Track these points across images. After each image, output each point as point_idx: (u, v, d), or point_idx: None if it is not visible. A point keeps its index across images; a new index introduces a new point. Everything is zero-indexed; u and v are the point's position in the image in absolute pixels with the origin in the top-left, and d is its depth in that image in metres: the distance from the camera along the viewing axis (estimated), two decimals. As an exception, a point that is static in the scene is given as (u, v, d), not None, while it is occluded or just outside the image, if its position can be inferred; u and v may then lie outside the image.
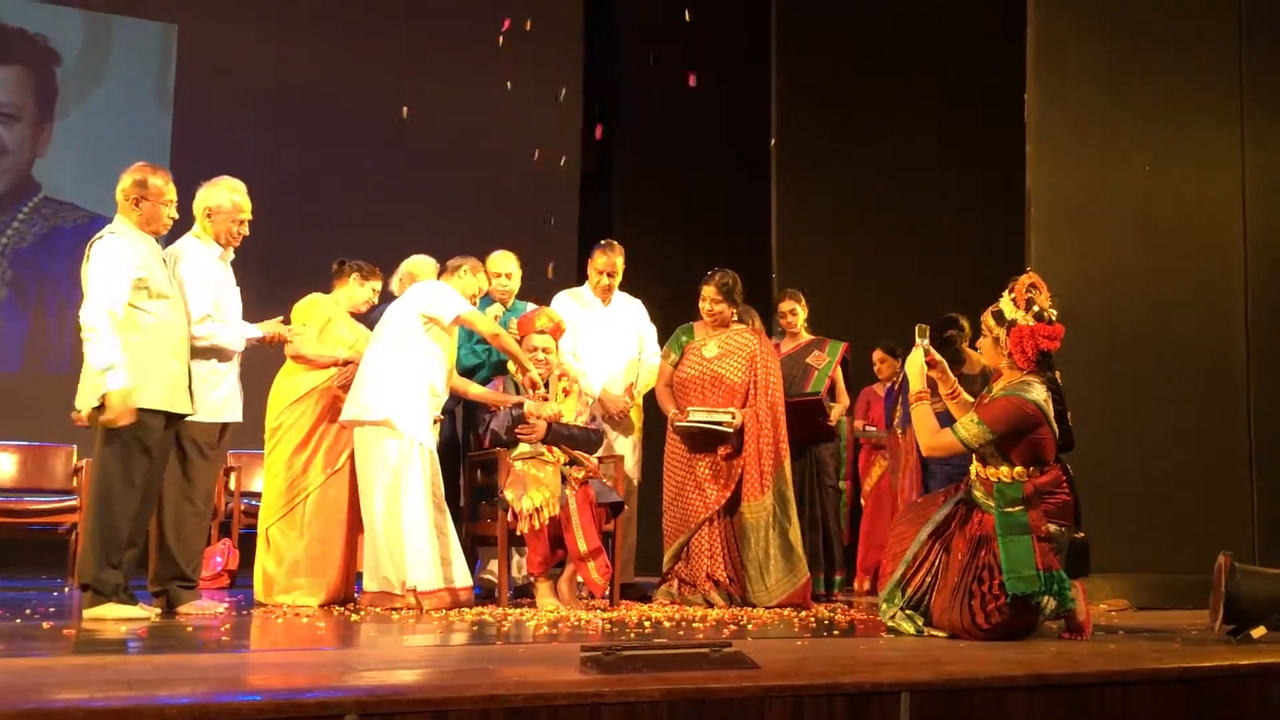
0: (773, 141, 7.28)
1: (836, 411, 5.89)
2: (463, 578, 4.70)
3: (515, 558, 5.29)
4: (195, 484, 4.37)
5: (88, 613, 4.04)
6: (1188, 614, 4.54)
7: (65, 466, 6.44)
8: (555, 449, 4.86)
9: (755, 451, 5.11)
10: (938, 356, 4.18)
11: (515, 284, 5.64)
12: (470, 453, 5.20)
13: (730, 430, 5.10)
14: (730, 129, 7.93)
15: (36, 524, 6.13)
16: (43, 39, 8.24)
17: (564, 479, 4.76)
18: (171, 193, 4.35)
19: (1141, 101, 5.40)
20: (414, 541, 4.60)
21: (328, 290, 5.32)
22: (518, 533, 4.71)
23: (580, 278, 6.01)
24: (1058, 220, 5.39)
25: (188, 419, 4.30)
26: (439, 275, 5.22)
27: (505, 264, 5.60)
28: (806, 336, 6.04)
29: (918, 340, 4.15)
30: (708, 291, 5.28)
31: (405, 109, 7.30)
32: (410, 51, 8.33)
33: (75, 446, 6.51)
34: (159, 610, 4.27)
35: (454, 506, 5.00)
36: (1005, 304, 4.04)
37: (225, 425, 4.52)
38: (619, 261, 5.60)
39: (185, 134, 8.20)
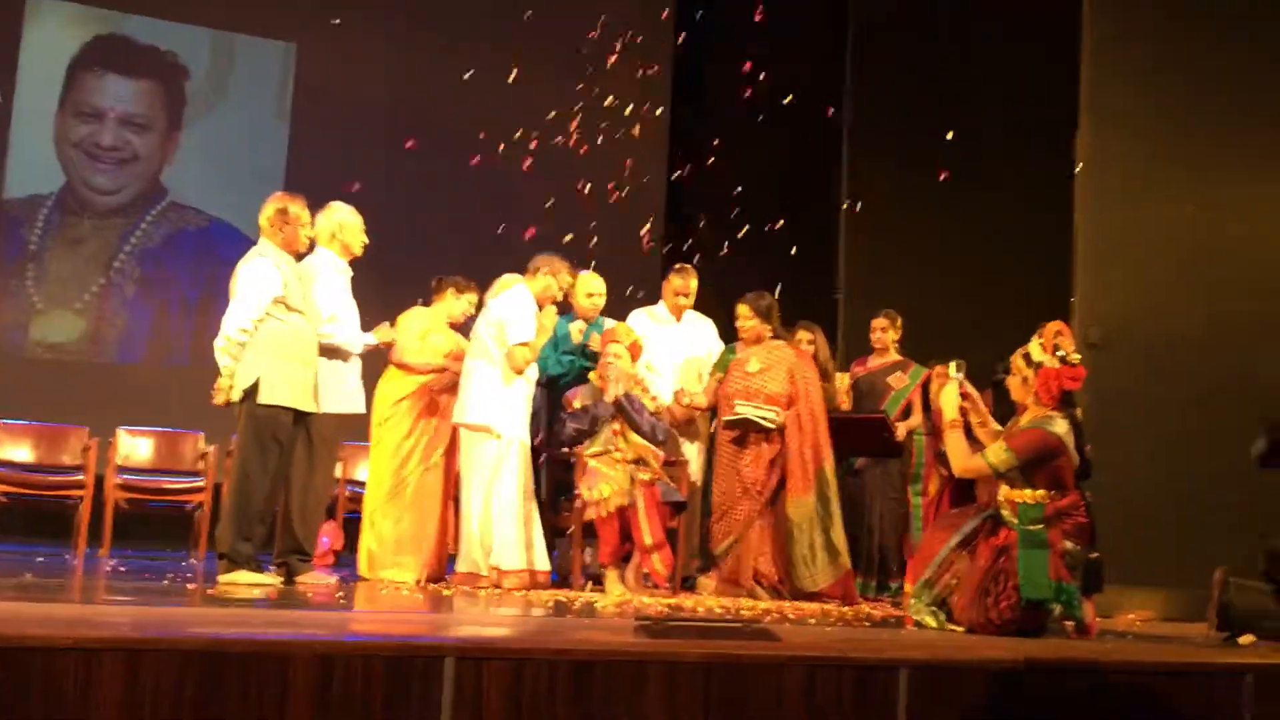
0: (844, 198, 7.81)
1: (903, 428, 6.36)
2: (542, 562, 5.44)
3: (588, 549, 6.00)
4: (317, 470, 5.18)
5: (222, 578, 4.83)
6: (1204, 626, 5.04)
7: (193, 451, 7.30)
8: (623, 444, 5.55)
9: (798, 451, 5.69)
10: (970, 389, 4.78)
11: (602, 302, 6.33)
12: (550, 452, 5.93)
13: (773, 426, 5.69)
14: (802, 160, 8.53)
15: (168, 501, 7.04)
16: (173, 55, 8.93)
17: (632, 478, 5.47)
18: (307, 217, 5.15)
19: (1187, 145, 5.86)
20: (504, 529, 5.34)
21: (429, 302, 6.11)
22: (586, 519, 5.42)
23: (657, 297, 6.64)
24: (1103, 258, 5.90)
25: (312, 414, 5.10)
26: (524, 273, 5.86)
27: (596, 285, 6.26)
28: (895, 356, 6.53)
29: (952, 374, 4.74)
30: (741, 310, 5.90)
31: (527, 162, 7.99)
32: (515, 71, 8.89)
33: (202, 433, 7.36)
34: (281, 579, 5.07)
35: (536, 500, 5.74)
36: (1034, 347, 4.62)
37: (346, 416, 5.30)
38: (693, 284, 6.25)
39: (300, 147, 8.91)
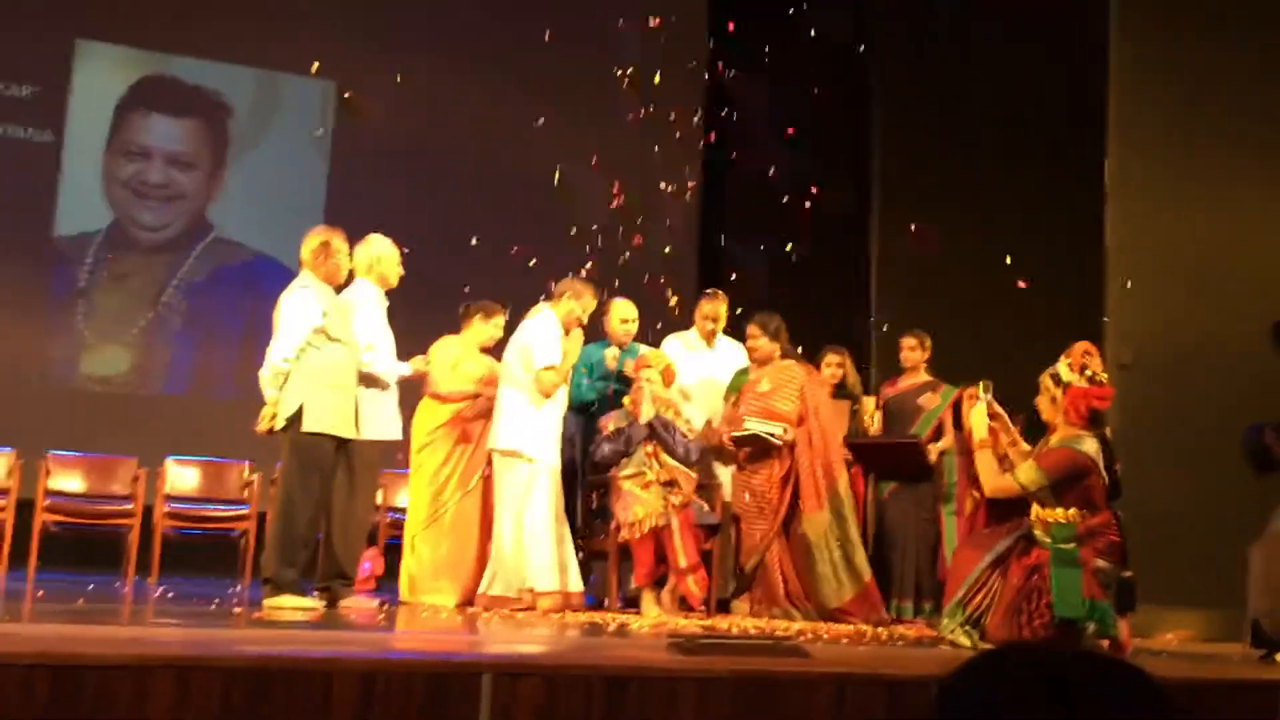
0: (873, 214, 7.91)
1: (935, 450, 6.35)
2: (576, 584, 5.52)
3: (625, 573, 6.08)
4: (359, 496, 5.31)
5: (267, 602, 4.95)
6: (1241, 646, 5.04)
7: (238, 480, 7.47)
8: (655, 466, 5.63)
9: (809, 468, 5.74)
10: (999, 409, 4.83)
11: (634, 328, 6.42)
12: (587, 476, 6.03)
13: (781, 442, 5.75)
14: (831, 183, 8.60)
15: (214, 529, 7.21)
16: (217, 94, 9.13)
17: (665, 502, 5.54)
18: (346, 250, 5.30)
19: (1215, 165, 5.91)
20: (536, 551, 5.44)
21: (458, 330, 6.24)
22: (621, 541, 5.50)
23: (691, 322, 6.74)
24: (1133, 276, 5.94)
25: (353, 441, 5.23)
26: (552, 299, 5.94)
27: (628, 311, 6.38)
28: (925, 377, 6.53)
29: (981, 394, 4.79)
30: (750, 330, 5.98)
31: (556, 176, 8.15)
32: (549, 107, 8.96)
33: (247, 463, 7.52)
34: (324, 603, 5.18)
35: (572, 524, 5.84)
36: (1062, 368, 4.66)
37: (386, 443, 5.44)
38: (722, 309, 6.35)
39: (339, 183, 9.12)
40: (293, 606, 4.89)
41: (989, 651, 1.23)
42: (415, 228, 7.65)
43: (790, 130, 7.77)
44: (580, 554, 5.75)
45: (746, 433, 5.82)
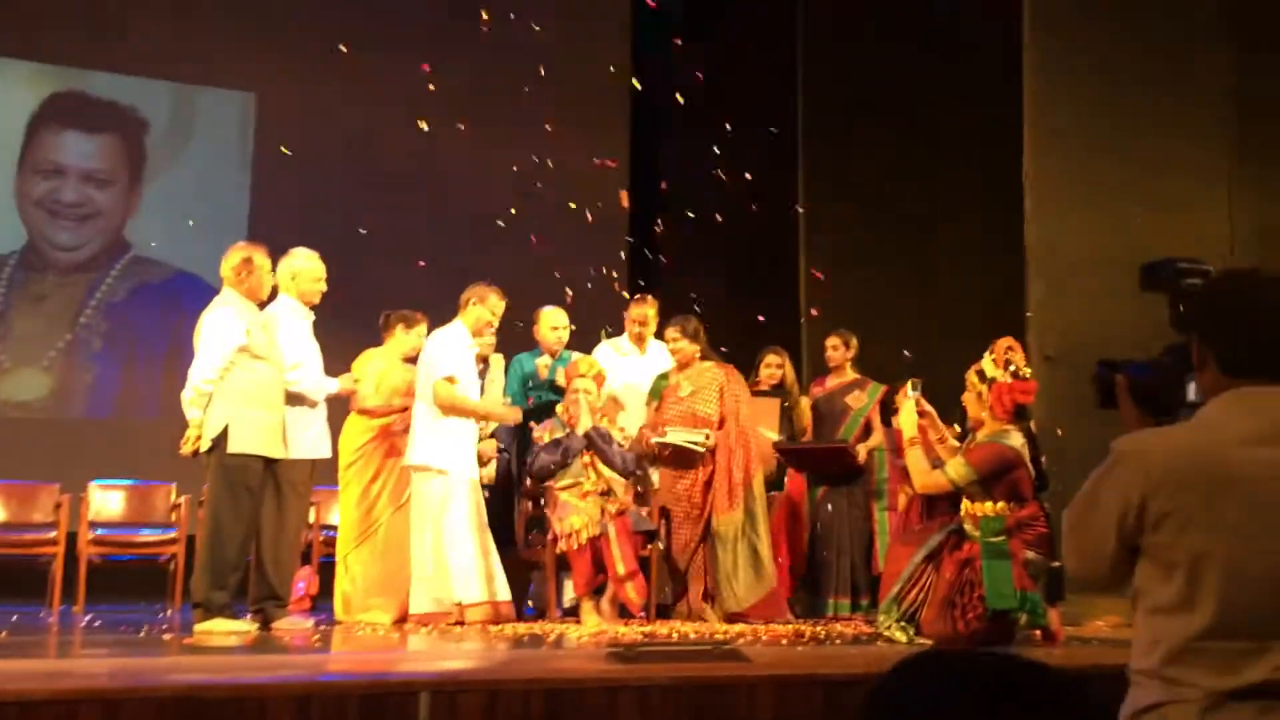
0: (800, 209, 8.02)
1: (864, 449, 6.44)
2: (504, 593, 5.47)
3: (564, 582, 6.06)
4: (288, 516, 5.23)
5: (198, 627, 4.86)
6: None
7: (165, 503, 7.30)
8: (592, 476, 5.63)
9: (725, 469, 5.78)
10: (928, 407, 4.91)
11: (566, 335, 6.41)
12: (522, 486, 6.00)
13: (703, 449, 5.78)
14: (761, 180, 8.69)
15: (141, 554, 7.04)
16: (133, 109, 8.93)
17: (602, 510, 5.54)
18: (269, 266, 5.22)
19: (1132, 154, 6.05)
20: (458, 562, 5.39)
21: (380, 342, 6.17)
22: (558, 551, 5.49)
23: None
24: (1055, 269, 6.06)
25: (281, 460, 5.15)
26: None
27: (558, 319, 6.39)
28: (851, 375, 6.58)
29: (909, 392, 4.87)
30: (669, 333, 6.01)
31: (512, 211, 8.13)
32: (469, 116, 8.93)
33: (174, 484, 7.36)
34: (257, 626, 5.10)
35: (509, 535, 5.81)
36: (986, 363, 4.75)
37: (315, 461, 5.37)
38: (650, 313, 6.35)
39: (262, 196, 8.96)
40: (225, 630, 4.81)
41: (915, 654, 1.25)
42: (341, 240, 7.58)
43: (728, 124, 7.81)
44: (519, 566, 5.72)
45: (668, 442, 5.85)
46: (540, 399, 6.24)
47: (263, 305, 5.35)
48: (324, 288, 5.52)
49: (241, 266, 5.16)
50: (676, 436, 5.84)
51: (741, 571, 5.69)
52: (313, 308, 5.54)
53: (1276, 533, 1.77)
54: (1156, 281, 2.23)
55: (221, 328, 5.00)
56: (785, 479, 6.47)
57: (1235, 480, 1.79)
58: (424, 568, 5.47)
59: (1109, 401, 2.16)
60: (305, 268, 5.46)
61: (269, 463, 5.09)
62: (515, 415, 5.84)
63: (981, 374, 4.73)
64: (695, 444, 5.81)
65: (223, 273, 5.21)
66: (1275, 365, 1.88)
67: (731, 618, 5.60)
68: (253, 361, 5.04)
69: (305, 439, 5.31)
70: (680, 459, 5.88)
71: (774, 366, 6.60)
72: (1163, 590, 1.81)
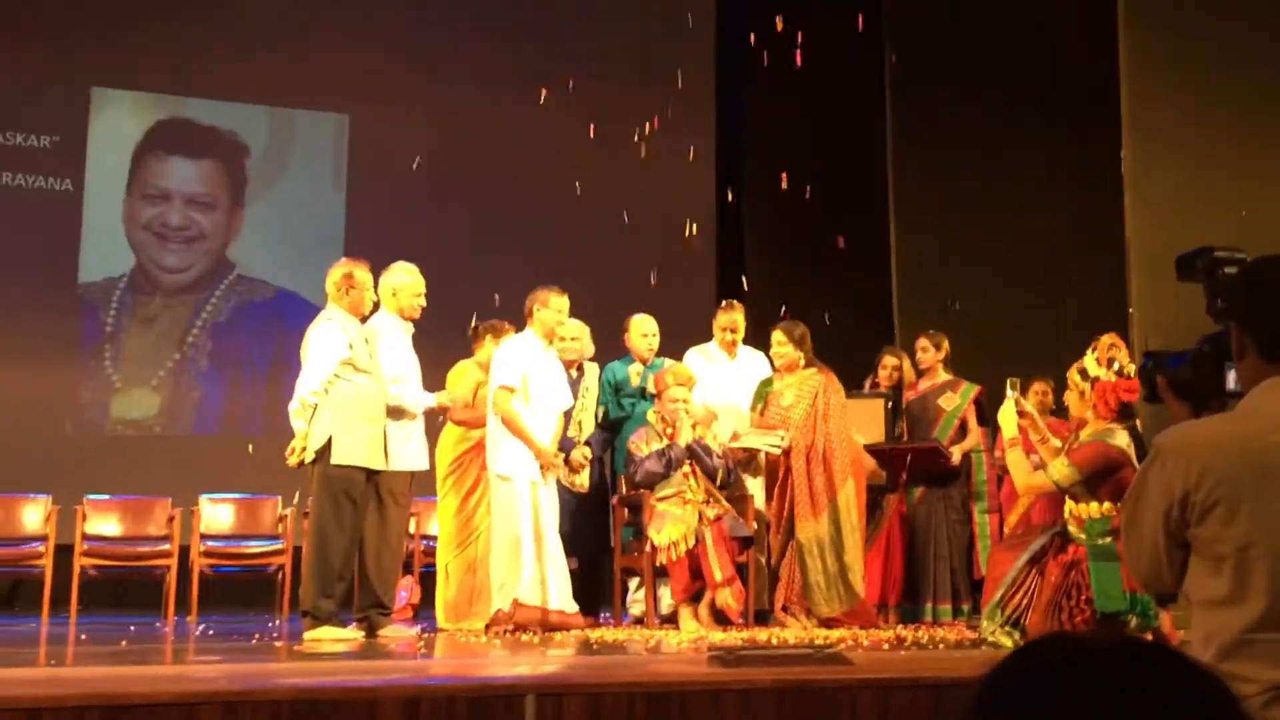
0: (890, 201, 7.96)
1: (959, 450, 6.38)
2: (558, 601, 5.40)
3: (662, 588, 6.09)
4: (390, 526, 5.33)
5: (307, 635, 4.98)
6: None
7: (272, 515, 7.52)
8: (694, 485, 5.66)
9: (804, 475, 5.71)
10: (1028, 406, 4.83)
11: (655, 342, 6.44)
12: (618, 494, 6.05)
13: (778, 449, 5.73)
14: (849, 184, 8.65)
15: (250, 566, 7.27)
16: (233, 134, 9.24)
17: (700, 516, 5.56)
18: (370, 280, 5.34)
19: (1236, 149, 5.90)
20: (514, 566, 5.38)
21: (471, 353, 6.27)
22: (658, 564, 5.51)
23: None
24: (1156, 265, 5.92)
25: (383, 472, 5.27)
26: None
27: (649, 326, 6.43)
28: (944, 377, 6.53)
29: (1009, 392, 4.79)
30: (775, 337, 5.96)
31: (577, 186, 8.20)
32: (562, 131, 9.03)
33: (279, 497, 7.57)
34: (364, 633, 5.21)
35: (605, 542, 5.87)
36: (1089, 361, 4.65)
37: (414, 473, 5.49)
38: (739, 319, 6.33)
39: (358, 214, 9.20)
40: (332, 638, 4.92)
41: (1026, 645, 1.21)
42: (437, 255, 7.71)
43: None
44: (616, 573, 5.76)
45: (740, 447, 5.84)
46: (634, 407, 6.28)
47: (364, 320, 5.47)
48: (423, 302, 5.61)
49: (343, 282, 5.29)
50: (752, 440, 5.82)
51: (833, 583, 5.64)
52: (412, 321, 5.64)
53: None
54: (1192, 271, 2.20)
55: (326, 342, 5.13)
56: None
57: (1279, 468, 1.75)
58: (495, 574, 5.51)
59: (1155, 396, 2.14)
60: (406, 283, 5.55)
61: (371, 474, 5.20)
62: (551, 460, 5.60)
63: (1084, 372, 4.64)
64: (771, 444, 5.78)
65: (326, 288, 5.35)
66: None
67: (822, 622, 5.57)
68: (355, 375, 5.16)
69: (405, 451, 5.42)
70: (762, 464, 5.86)
71: (890, 368, 6.58)
72: (1213, 584, 1.78)
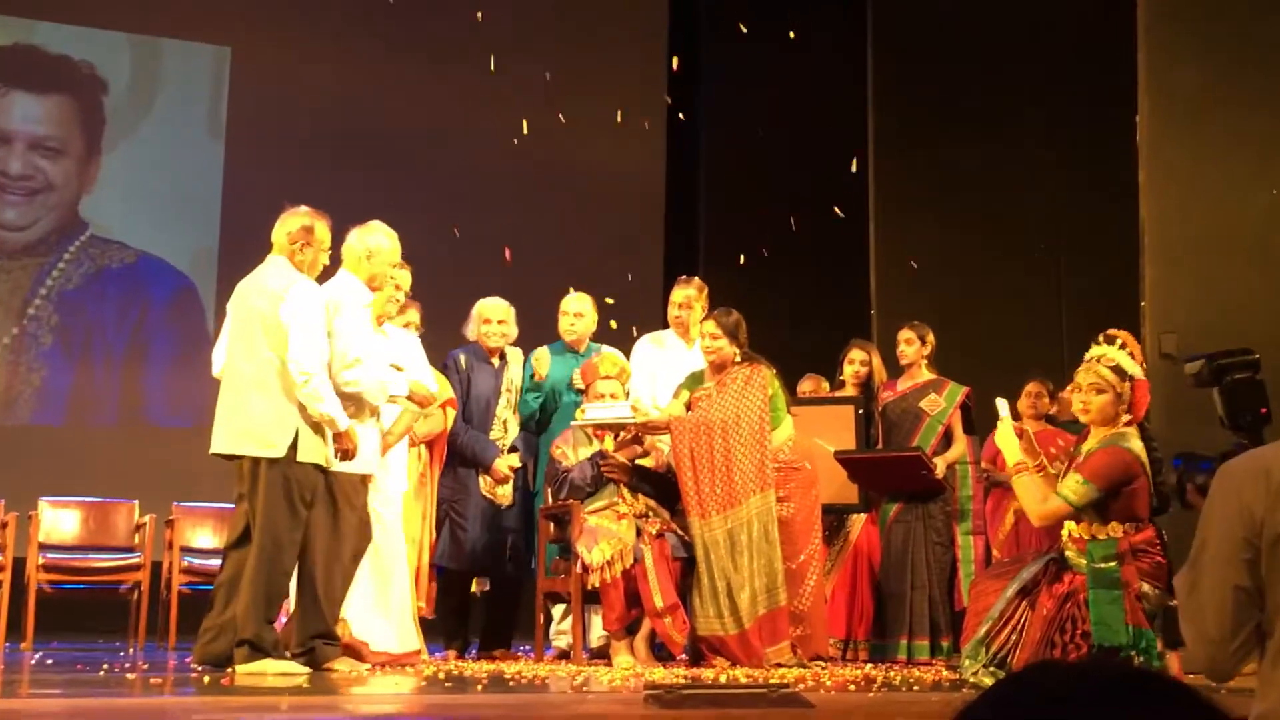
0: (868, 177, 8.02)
1: (943, 462, 6.31)
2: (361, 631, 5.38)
3: (592, 616, 6.08)
4: (345, 538, 5.00)
5: (243, 668, 4.66)
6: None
7: (128, 523, 7.37)
8: (629, 497, 5.66)
9: (688, 462, 5.56)
10: (1025, 428, 4.88)
11: (586, 325, 6.37)
12: (543, 506, 6.02)
13: (631, 422, 5.62)
14: (823, 164, 8.69)
15: (99, 583, 7.13)
16: (89, 66, 9.03)
17: (639, 532, 5.55)
18: (328, 242, 5.08)
19: (1256, 127, 6.03)
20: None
21: None
22: (589, 587, 5.50)
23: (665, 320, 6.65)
24: (1173, 249, 6.03)
25: (334, 469, 4.96)
26: None
27: (570, 304, 6.39)
28: (926, 376, 6.49)
29: (1001, 414, 4.82)
30: (705, 328, 5.79)
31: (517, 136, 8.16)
32: (475, 76, 8.91)
33: (136, 503, 7.41)
34: (307, 667, 4.83)
35: (529, 561, 5.86)
36: (1123, 359, 4.67)
37: (364, 476, 5.16)
38: (693, 294, 6.26)
39: (237, 168, 9.02)
40: (276, 672, 4.64)
41: (1017, 672, 1.22)
42: (334, 222, 7.62)
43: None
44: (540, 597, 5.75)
45: (590, 421, 5.74)
46: (537, 402, 6.25)
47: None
48: (395, 277, 5.45)
49: (300, 235, 4.99)
50: (598, 413, 5.72)
51: (710, 598, 5.44)
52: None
53: None
54: (1201, 384, 2.31)
55: (315, 305, 4.88)
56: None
57: None
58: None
59: (1187, 502, 2.23)
60: (386, 247, 5.24)
61: (322, 472, 4.93)
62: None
63: (1120, 371, 4.65)
64: (621, 418, 5.66)
65: (274, 238, 5.03)
66: None
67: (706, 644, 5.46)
68: None
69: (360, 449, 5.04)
70: (661, 449, 5.79)
71: (858, 363, 6.54)
72: None
